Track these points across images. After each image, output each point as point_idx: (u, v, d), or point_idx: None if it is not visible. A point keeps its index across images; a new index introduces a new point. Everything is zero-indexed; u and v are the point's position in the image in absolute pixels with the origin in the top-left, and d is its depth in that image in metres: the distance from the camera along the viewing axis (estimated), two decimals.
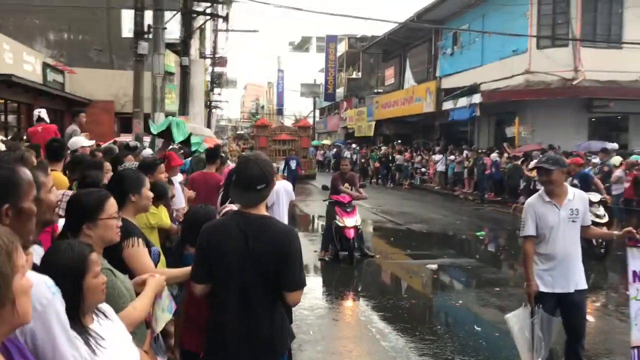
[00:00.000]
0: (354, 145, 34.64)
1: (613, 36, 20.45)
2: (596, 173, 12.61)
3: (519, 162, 18.42)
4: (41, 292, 1.62)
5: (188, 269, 2.97)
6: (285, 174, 18.33)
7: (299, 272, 2.76)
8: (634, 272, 4.15)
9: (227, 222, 2.85)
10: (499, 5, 21.77)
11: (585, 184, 10.16)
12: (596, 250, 10.02)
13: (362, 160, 28.54)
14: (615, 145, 16.53)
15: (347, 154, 29.30)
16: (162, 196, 4.44)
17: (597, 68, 19.33)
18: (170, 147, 9.96)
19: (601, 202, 10.35)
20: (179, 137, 10.23)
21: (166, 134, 10.37)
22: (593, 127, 20.88)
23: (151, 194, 3.36)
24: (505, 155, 19.44)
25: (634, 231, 4.25)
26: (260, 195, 2.79)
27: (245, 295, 2.72)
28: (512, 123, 20.60)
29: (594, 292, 7.71)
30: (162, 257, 3.68)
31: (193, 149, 10.69)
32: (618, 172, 12.91)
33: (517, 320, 4.45)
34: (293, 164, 20.07)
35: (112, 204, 2.63)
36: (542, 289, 4.41)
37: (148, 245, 3.12)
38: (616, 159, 13.83)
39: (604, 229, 8.54)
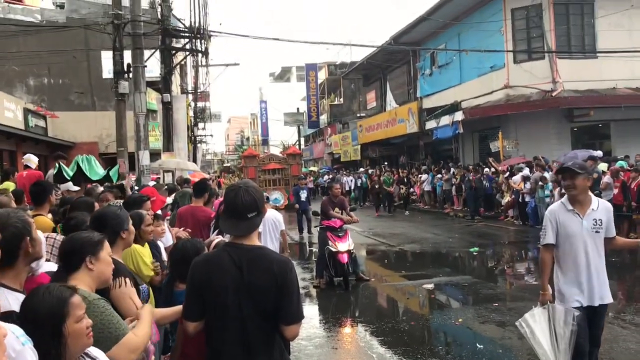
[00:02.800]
0: (361, 169, 32.31)
1: (587, 46, 20.77)
2: None
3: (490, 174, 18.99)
4: (9, 343, 1.53)
5: (179, 307, 2.85)
6: (296, 205, 17.31)
7: (297, 304, 2.66)
8: None
9: (218, 255, 2.73)
10: (473, 23, 22.15)
11: None
12: None
13: (377, 186, 25.67)
14: (599, 153, 16.66)
15: (345, 180, 28.33)
16: (137, 224, 4.24)
17: (574, 78, 19.61)
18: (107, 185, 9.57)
19: None
20: (93, 174, 9.76)
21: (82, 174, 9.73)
22: (575, 137, 21.06)
23: (134, 229, 3.31)
24: (492, 169, 19.51)
25: None
26: (252, 223, 2.68)
27: (242, 331, 2.61)
28: (496, 138, 20.76)
29: None
30: (152, 296, 3.57)
31: (115, 179, 10.42)
32: (606, 179, 13.00)
33: (534, 320, 4.21)
34: (304, 195, 17.18)
35: (108, 245, 2.63)
36: (573, 304, 4.22)
37: (136, 284, 3.02)
38: (603, 166, 13.94)
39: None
